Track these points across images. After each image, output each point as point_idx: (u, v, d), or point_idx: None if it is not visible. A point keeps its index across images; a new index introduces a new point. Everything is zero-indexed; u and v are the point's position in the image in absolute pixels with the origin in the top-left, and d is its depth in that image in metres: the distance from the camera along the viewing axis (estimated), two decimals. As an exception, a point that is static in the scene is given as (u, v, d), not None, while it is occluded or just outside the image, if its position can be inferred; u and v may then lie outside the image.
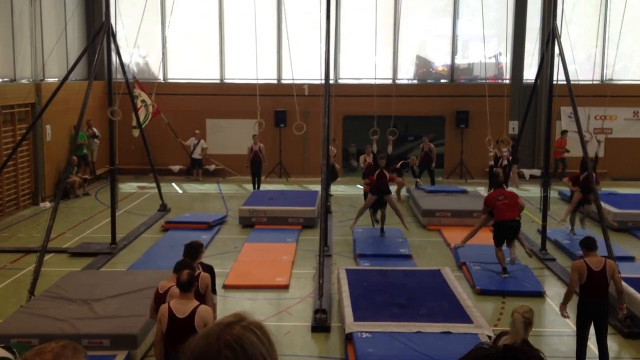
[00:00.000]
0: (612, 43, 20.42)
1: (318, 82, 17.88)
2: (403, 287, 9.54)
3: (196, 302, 6.05)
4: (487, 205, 10.83)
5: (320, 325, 8.65)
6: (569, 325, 7.58)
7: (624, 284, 8.78)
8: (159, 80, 20.96)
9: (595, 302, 7.12)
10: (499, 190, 11.07)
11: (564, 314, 7.47)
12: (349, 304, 8.69)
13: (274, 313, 9.33)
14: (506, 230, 10.54)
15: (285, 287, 10.28)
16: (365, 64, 20.76)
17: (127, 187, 18.23)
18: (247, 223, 14.13)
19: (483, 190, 17.92)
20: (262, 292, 10.11)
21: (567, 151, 19.53)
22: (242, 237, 13.29)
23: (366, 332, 7.83)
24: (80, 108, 11.46)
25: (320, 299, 9.09)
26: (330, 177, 14.33)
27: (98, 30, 12.46)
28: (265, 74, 20.73)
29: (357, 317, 8.21)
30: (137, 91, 18.17)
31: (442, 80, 21.37)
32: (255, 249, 12.28)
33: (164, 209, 15.30)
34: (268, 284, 10.37)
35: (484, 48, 17.13)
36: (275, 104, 20.21)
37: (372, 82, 17.77)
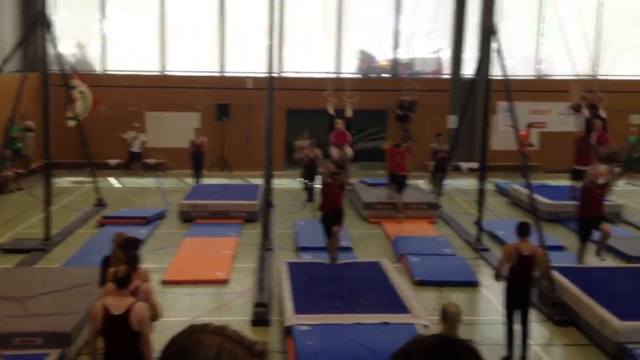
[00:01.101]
0: (547, 39, 21.05)
1: (262, 75, 17.81)
2: (343, 279, 9.64)
3: (132, 299, 5.98)
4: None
5: (260, 319, 8.66)
6: (501, 314, 7.81)
7: (554, 272, 9.14)
8: (98, 72, 20.58)
9: (521, 286, 7.47)
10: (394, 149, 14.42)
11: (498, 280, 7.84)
12: (289, 297, 8.73)
13: (214, 308, 9.29)
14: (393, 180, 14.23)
15: (225, 282, 10.24)
16: (309, 58, 20.83)
17: (63, 181, 17.78)
18: (188, 218, 13.99)
19: (424, 183, 18.25)
20: (201, 287, 10.05)
21: (532, 145, 19.92)
22: (182, 232, 13.16)
23: (306, 324, 7.89)
24: (15, 101, 11.13)
25: (260, 292, 9.11)
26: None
27: (33, 21, 12.11)
28: (207, 66, 20.58)
29: (297, 310, 8.26)
30: (76, 82, 17.76)
31: (384, 75, 21.58)
32: (195, 243, 12.18)
33: (100, 204, 15.00)
34: (208, 278, 10.30)
35: (424, 43, 17.34)
36: (218, 96, 20.05)
37: (316, 75, 17.81)
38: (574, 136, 15.50)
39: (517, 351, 7.48)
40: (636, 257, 11.15)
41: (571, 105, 14.89)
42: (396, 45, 21.31)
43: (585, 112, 14.21)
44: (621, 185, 18.02)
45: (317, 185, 17.07)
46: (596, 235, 10.47)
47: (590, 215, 10.17)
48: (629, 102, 20.57)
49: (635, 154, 17.63)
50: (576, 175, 14.50)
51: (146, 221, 13.52)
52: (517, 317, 7.49)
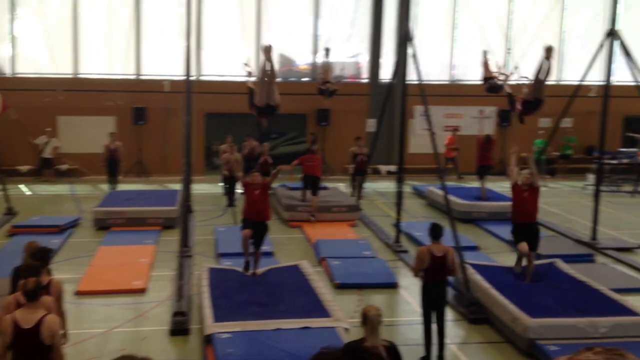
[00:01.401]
0: (460, 45, 21.71)
1: (179, 77, 17.53)
2: (264, 284, 9.60)
3: (43, 312, 5.74)
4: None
5: (179, 328, 8.50)
6: (419, 314, 7.97)
7: (469, 271, 9.43)
8: (7, 75, 19.71)
9: (435, 285, 7.66)
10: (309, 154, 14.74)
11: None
12: (209, 304, 8.61)
13: (131, 318, 9.05)
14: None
15: (143, 291, 10.00)
16: (228, 61, 20.65)
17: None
18: (103, 225, 13.61)
19: (344, 187, 18.43)
20: (118, 297, 9.77)
21: (457, 149, 20.40)
22: (97, 240, 12.78)
23: (226, 332, 7.79)
24: None
25: (179, 301, 8.94)
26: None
27: None
28: (123, 69, 20.07)
29: (217, 318, 8.15)
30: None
31: (304, 79, 21.67)
32: (111, 252, 11.84)
33: (10, 212, 14.36)
34: (124, 288, 10.03)
35: (343, 47, 17.53)
36: (133, 100, 19.60)
37: (236, 79, 17.66)
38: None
39: (435, 350, 7.66)
40: (545, 255, 11.62)
41: (486, 77, 14.68)
42: (315, 49, 21.45)
43: (507, 88, 13.51)
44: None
45: (239, 190, 17.01)
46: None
47: (520, 221, 9.70)
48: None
49: (543, 156, 18.38)
50: (481, 173, 15.77)
51: (59, 230, 13.05)
52: (434, 317, 7.67)
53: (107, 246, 12.23)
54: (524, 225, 9.71)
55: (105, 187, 17.39)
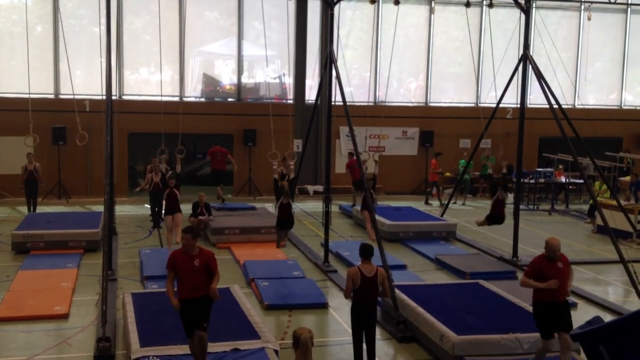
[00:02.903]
0: (383, 67, 22.18)
1: (99, 97, 17.18)
2: (191, 307, 9.42)
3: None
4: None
5: (103, 354, 8.23)
6: (350, 334, 8.02)
7: (397, 290, 9.57)
8: None
9: (366, 305, 7.68)
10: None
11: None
12: (134, 329, 8.39)
13: (53, 345, 8.70)
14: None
15: (64, 316, 9.66)
16: (151, 81, 20.36)
17: None
18: (22, 249, 13.10)
19: (271, 207, 18.39)
20: (38, 323, 9.39)
21: (441, 173, 20.58)
22: (16, 264, 12.28)
23: (153, 356, 7.62)
24: None
25: (103, 326, 8.66)
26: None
27: None
28: (40, 88, 19.42)
29: (143, 343, 7.95)
30: None
31: (230, 99, 21.61)
32: (30, 276, 11.39)
33: None
34: (45, 314, 9.66)
35: (268, 68, 17.59)
36: (52, 120, 19.00)
37: (158, 98, 17.40)
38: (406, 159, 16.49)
39: (365, 370, 7.71)
40: (469, 273, 11.95)
41: None
42: (240, 70, 21.44)
43: None
44: (454, 205, 19.33)
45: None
46: None
47: (549, 299, 7.52)
48: (458, 128, 22.17)
49: (466, 176, 18.94)
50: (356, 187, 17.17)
51: (-27, 255, 12.46)
52: (364, 336, 7.72)
53: (27, 270, 11.79)
54: (554, 304, 7.54)
55: (23, 209, 16.76)
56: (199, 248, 7.28)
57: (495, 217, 12.87)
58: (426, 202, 20.25)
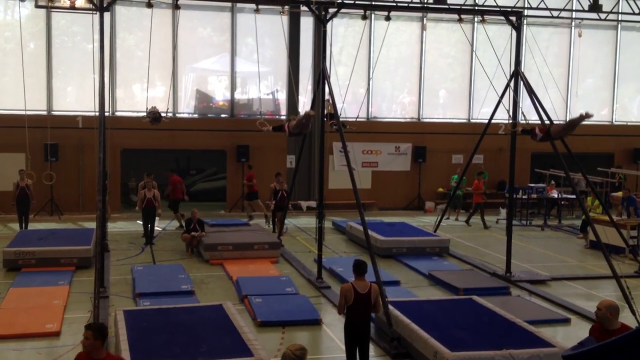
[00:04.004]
0: (376, 83, 22.29)
1: (92, 113, 17.20)
2: (184, 325, 9.36)
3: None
4: None
5: (95, 372, 8.16)
6: (343, 350, 7.98)
7: (390, 307, 9.54)
8: None
9: (359, 322, 7.66)
10: None
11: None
12: (126, 347, 8.31)
13: (44, 363, 8.64)
14: None
15: (56, 334, 9.58)
16: (144, 97, 20.34)
17: None
18: (13, 266, 13.01)
19: (264, 223, 18.39)
20: (30, 341, 9.31)
21: (486, 193, 19.82)
22: (7, 281, 12.19)
23: (145, 375, 7.56)
24: None
25: (95, 344, 8.59)
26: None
27: None
28: (33, 105, 19.38)
29: (136, 360, 7.89)
30: None
31: (223, 115, 21.63)
32: (22, 294, 11.31)
33: None
34: (37, 331, 9.58)
35: (261, 84, 17.62)
36: (45, 136, 18.94)
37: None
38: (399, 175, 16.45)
39: (359, 386, 7.67)
40: (463, 289, 11.94)
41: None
42: (233, 86, 21.48)
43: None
44: (447, 220, 19.36)
45: (157, 227, 16.69)
46: None
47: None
48: (451, 143, 22.25)
49: (459, 191, 18.98)
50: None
51: (-36, 272, 12.37)
52: (357, 353, 7.69)
53: (18, 288, 11.71)
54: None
55: (15, 226, 16.68)
56: (107, 353, 5.32)
57: None
58: (467, 223, 19.62)
